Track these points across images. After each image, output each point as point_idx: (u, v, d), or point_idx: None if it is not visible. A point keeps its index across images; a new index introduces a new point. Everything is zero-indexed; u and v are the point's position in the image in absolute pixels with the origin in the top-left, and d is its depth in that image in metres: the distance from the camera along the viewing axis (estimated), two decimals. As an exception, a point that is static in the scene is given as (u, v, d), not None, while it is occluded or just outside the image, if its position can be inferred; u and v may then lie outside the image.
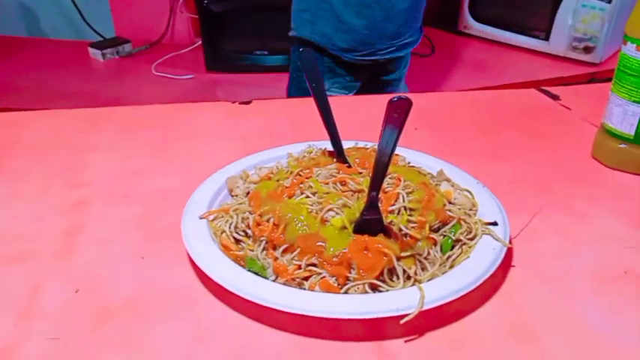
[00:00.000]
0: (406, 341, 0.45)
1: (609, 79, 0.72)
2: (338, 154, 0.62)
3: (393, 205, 0.53)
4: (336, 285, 0.48)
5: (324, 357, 0.44)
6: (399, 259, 0.49)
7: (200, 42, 1.82)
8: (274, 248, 0.51)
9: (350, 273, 0.48)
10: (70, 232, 0.58)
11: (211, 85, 1.73)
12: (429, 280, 0.48)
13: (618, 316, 0.48)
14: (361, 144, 0.67)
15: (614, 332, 0.47)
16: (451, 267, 0.51)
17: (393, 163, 0.61)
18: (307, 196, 0.54)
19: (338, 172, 0.58)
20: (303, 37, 1.26)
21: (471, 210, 0.58)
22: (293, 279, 0.49)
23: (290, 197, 0.55)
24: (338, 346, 0.45)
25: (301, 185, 0.56)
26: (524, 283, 0.52)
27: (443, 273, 0.49)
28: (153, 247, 0.56)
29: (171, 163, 0.73)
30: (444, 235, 0.53)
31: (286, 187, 0.56)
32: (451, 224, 0.54)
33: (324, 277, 0.48)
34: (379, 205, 0.50)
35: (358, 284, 0.47)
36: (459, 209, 0.57)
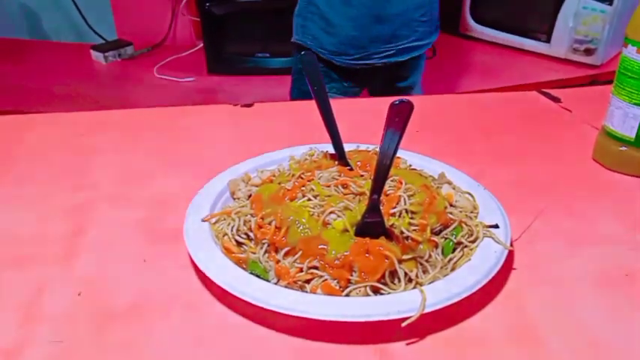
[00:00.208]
0: (408, 344, 0.45)
1: (610, 82, 0.72)
2: (340, 156, 0.63)
3: (395, 207, 0.53)
4: (337, 288, 0.48)
5: None
6: (400, 261, 0.49)
7: (202, 44, 1.82)
8: (276, 251, 0.51)
9: (351, 276, 0.48)
10: (72, 234, 0.59)
11: (213, 88, 1.73)
12: (430, 283, 0.48)
13: (620, 319, 0.48)
14: (363, 147, 0.67)
15: (615, 334, 0.47)
16: (452, 270, 0.51)
17: (395, 166, 0.61)
18: (309, 199, 0.54)
19: (340, 175, 0.58)
20: (298, 42, 1.25)
21: (472, 212, 0.58)
22: (295, 282, 0.49)
23: (292, 200, 0.55)
24: (340, 349, 0.45)
25: (303, 188, 0.56)
26: (525, 285, 0.52)
27: (444, 276, 0.49)
28: (155, 250, 0.56)
29: (174, 165, 0.73)
30: (446, 238, 0.53)
31: (288, 190, 0.56)
32: (452, 227, 0.54)
33: (325, 279, 0.48)
34: (380, 207, 0.51)
35: (360, 287, 0.47)
36: (461, 212, 0.57)
